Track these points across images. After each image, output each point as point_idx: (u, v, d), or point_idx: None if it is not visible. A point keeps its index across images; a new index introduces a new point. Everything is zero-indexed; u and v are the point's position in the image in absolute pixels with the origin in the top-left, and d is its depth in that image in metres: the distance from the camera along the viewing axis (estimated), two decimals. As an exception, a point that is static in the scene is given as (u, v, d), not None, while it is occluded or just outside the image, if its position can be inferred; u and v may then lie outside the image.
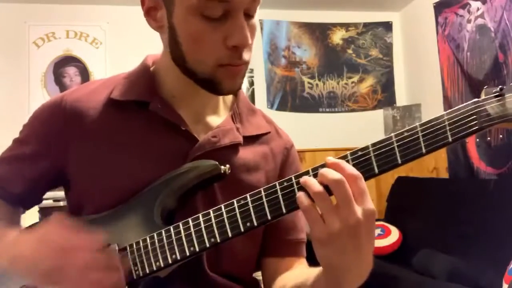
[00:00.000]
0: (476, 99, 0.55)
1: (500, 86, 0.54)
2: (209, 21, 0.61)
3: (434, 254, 2.08)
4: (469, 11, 2.60)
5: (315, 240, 0.54)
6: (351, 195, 0.51)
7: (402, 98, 3.49)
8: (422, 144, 0.54)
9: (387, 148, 0.55)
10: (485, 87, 0.56)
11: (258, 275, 0.81)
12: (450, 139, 0.54)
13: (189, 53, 0.65)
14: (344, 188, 0.51)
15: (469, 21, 2.60)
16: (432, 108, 3.05)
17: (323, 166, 0.56)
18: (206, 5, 0.59)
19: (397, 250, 2.49)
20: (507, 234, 1.86)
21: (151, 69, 0.75)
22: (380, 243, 2.52)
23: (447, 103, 2.85)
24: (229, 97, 0.81)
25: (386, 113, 3.35)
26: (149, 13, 0.67)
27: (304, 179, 0.54)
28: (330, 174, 0.52)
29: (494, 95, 0.54)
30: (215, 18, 0.60)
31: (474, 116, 0.54)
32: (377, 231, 2.62)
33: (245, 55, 0.64)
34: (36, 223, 0.77)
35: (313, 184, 0.53)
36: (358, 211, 0.51)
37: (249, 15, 0.63)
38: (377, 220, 2.96)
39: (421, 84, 3.26)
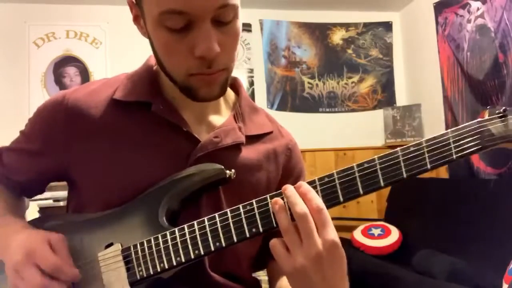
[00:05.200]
0: (479, 119, 0.56)
1: (504, 108, 0.55)
2: (174, 32, 0.60)
3: (434, 254, 2.08)
4: (469, 11, 2.60)
5: (285, 274, 0.58)
6: (313, 229, 0.54)
7: (402, 98, 3.49)
8: (427, 160, 0.55)
9: (393, 162, 0.56)
10: (488, 107, 0.57)
11: (258, 275, 0.81)
12: (454, 157, 0.55)
13: (164, 62, 0.65)
14: (307, 223, 0.54)
15: (469, 21, 2.60)
16: (432, 108, 3.05)
17: (330, 176, 0.57)
18: (166, 17, 0.58)
19: (397, 250, 2.49)
20: (507, 234, 1.86)
21: (154, 69, 0.75)
22: (380, 243, 2.52)
23: (447, 103, 2.85)
24: (231, 97, 0.81)
25: (386, 113, 3.35)
26: (136, 20, 0.68)
27: (277, 216, 0.56)
28: (297, 208, 0.54)
29: (497, 115, 0.55)
30: (178, 29, 0.59)
31: (478, 136, 0.55)
32: (377, 231, 2.62)
33: (219, 63, 0.62)
34: (36, 219, 0.78)
35: (283, 219, 0.55)
36: (319, 243, 0.54)
37: (221, 22, 0.61)
38: (377, 220, 2.97)
39: (421, 84, 3.26)
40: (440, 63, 2.92)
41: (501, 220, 1.93)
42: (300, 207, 0.54)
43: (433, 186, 2.61)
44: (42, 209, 2.09)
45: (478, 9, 2.52)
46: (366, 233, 2.65)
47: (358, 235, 2.65)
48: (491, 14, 2.40)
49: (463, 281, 1.78)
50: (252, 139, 0.75)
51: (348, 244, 2.61)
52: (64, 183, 0.77)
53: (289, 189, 0.56)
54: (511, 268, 1.52)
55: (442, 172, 2.88)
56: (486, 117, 0.56)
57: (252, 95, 3.27)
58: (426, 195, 2.59)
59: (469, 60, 2.61)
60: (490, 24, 2.41)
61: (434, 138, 0.56)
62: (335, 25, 3.47)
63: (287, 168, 0.79)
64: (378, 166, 0.56)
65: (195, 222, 0.61)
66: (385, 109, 3.37)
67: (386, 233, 2.58)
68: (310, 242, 0.54)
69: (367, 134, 3.32)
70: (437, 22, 2.92)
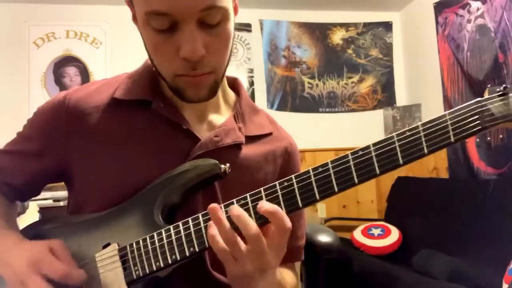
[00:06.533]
0: (479, 98, 0.53)
1: (504, 85, 0.52)
2: (160, 32, 0.60)
3: (434, 254, 2.08)
4: (469, 11, 2.60)
5: (231, 277, 0.59)
6: (264, 248, 0.57)
7: (402, 98, 3.49)
8: (424, 144, 0.53)
9: (388, 148, 0.55)
10: (488, 85, 0.55)
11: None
12: (452, 139, 0.53)
13: (154, 61, 0.66)
14: (259, 242, 0.56)
15: (469, 21, 2.60)
16: (432, 108, 3.05)
17: (324, 165, 0.56)
18: (151, 18, 0.59)
19: (397, 250, 2.49)
20: (507, 234, 1.86)
21: (153, 68, 0.75)
22: (380, 243, 2.52)
23: (447, 103, 2.84)
24: (232, 97, 0.81)
25: (386, 113, 3.35)
26: (134, 19, 0.68)
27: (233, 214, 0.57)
28: (249, 228, 0.56)
29: (497, 94, 0.53)
30: (164, 29, 0.59)
31: (477, 116, 0.52)
32: (377, 231, 2.62)
33: (205, 66, 0.62)
34: (35, 222, 0.77)
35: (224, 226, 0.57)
36: (269, 257, 0.58)
37: (207, 24, 0.60)
38: (377, 220, 2.97)
39: (421, 84, 3.26)
40: (440, 63, 2.92)
41: (501, 220, 1.93)
42: (252, 228, 0.56)
43: (433, 186, 2.61)
44: (42, 209, 2.08)
45: (478, 9, 2.52)
46: (366, 233, 2.64)
47: (358, 235, 2.65)
48: (491, 14, 2.40)
49: (463, 281, 1.78)
50: (252, 139, 0.75)
51: (348, 244, 2.61)
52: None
53: (235, 209, 0.57)
54: (511, 268, 1.52)
55: (442, 172, 2.88)
56: (486, 96, 0.53)
57: (252, 95, 3.27)
58: (426, 195, 2.58)
59: (469, 60, 2.60)
60: (490, 24, 2.41)
61: (431, 121, 0.54)
62: (335, 25, 3.47)
63: (284, 171, 0.79)
64: (373, 153, 0.55)
65: (189, 219, 0.61)
66: (385, 109, 3.37)
67: (386, 233, 2.58)
68: (261, 256, 0.57)
69: (367, 134, 3.32)
70: (437, 22, 2.92)
